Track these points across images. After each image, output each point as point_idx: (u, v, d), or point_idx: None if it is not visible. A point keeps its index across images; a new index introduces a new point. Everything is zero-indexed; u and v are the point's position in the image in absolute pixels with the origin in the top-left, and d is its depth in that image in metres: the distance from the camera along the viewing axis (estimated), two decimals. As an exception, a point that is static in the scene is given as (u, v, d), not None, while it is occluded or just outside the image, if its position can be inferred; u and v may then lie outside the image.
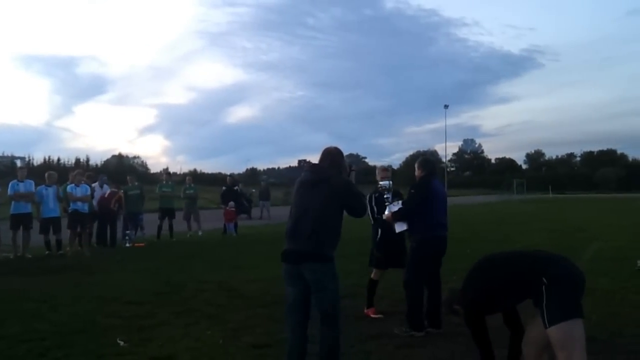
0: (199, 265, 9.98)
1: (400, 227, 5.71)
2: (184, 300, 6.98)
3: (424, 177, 5.72)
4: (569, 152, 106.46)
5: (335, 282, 3.95)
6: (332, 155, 4.23)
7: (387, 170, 6.54)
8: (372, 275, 6.42)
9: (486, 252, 4.22)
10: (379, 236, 6.26)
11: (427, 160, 6.09)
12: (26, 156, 49.63)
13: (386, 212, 5.82)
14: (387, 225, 5.91)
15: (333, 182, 4.03)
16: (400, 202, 5.76)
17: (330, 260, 3.95)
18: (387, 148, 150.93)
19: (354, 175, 4.42)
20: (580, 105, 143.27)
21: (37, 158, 57.79)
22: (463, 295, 3.64)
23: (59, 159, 58.13)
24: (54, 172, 12.73)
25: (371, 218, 6.30)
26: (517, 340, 3.61)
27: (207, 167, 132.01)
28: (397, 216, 5.65)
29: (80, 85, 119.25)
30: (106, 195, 13.48)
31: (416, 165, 5.88)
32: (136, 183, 15.23)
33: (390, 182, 6.02)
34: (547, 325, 3.12)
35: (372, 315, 6.18)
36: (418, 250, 5.53)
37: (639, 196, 36.12)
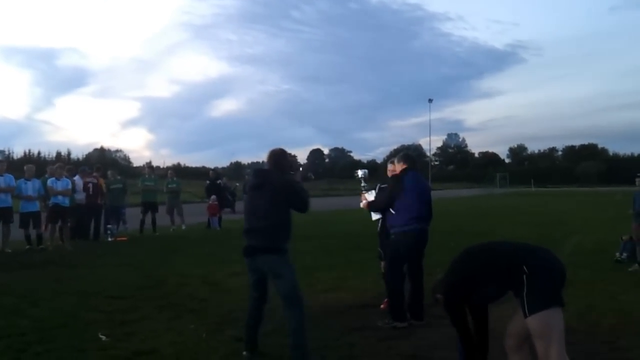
0: (182, 260, 9.93)
1: (375, 216, 6.18)
2: (166, 294, 6.95)
3: (401, 171, 5.78)
4: (551, 146, 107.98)
5: (289, 269, 4.46)
6: (275, 156, 4.67)
7: (394, 164, 6.42)
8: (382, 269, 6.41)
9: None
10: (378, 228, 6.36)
11: (407, 155, 6.09)
12: (6, 150, 48.88)
13: (362, 201, 6.09)
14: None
15: (275, 183, 4.50)
16: (373, 191, 6.06)
17: (282, 251, 4.46)
18: (372, 142, 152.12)
19: (303, 172, 4.87)
20: (563, 100, 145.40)
21: (17, 152, 57.02)
22: (443, 283, 3.67)
23: (39, 153, 57.40)
24: (32, 165, 12.54)
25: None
26: (482, 341, 3.66)
27: (191, 160, 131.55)
28: (371, 206, 6.00)
29: (61, 78, 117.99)
30: (90, 192, 13.31)
31: (396, 160, 5.94)
32: (118, 177, 15.12)
33: (366, 171, 6.26)
34: (527, 314, 3.15)
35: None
36: (395, 242, 5.62)
37: (618, 190, 36.64)
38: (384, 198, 5.77)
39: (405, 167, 5.77)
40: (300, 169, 4.90)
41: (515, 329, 3.40)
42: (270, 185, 4.47)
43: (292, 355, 4.34)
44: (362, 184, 6.15)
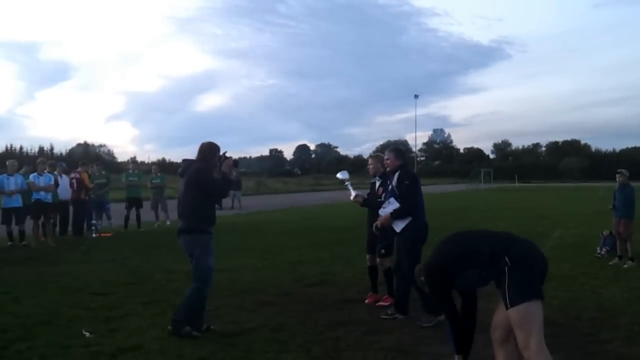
0: (166, 255, 9.87)
1: (401, 225, 5.57)
2: (151, 290, 6.92)
3: (405, 167, 5.76)
4: (535, 142, 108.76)
5: (202, 250, 4.98)
6: (201, 148, 5.18)
7: (373, 157, 6.49)
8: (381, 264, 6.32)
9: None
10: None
11: (400, 149, 6.07)
12: (-14, 145, 48.18)
13: (382, 215, 5.65)
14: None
15: (190, 171, 5.09)
16: (393, 199, 5.58)
17: (197, 233, 5.01)
18: (358, 137, 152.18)
19: (230, 163, 5.18)
20: (547, 96, 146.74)
21: (-1, 146, 56.16)
22: (426, 266, 3.71)
23: (21, 147, 56.54)
24: (15, 160, 12.38)
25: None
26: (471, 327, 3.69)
27: (176, 156, 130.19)
28: (399, 214, 5.51)
29: (44, 71, 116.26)
30: (75, 187, 13.20)
31: (389, 155, 5.80)
32: (103, 172, 15.00)
33: (345, 172, 6.45)
34: (508, 306, 3.20)
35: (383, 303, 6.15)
36: (413, 239, 5.53)
37: (601, 185, 37.13)
38: (413, 199, 5.57)
39: (404, 163, 5.76)
40: (226, 161, 5.20)
41: (501, 321, 3.44)
42: (188, 174, 5.09)
43: (172, 320, 4.98)
44: (346, 184, 6.31)
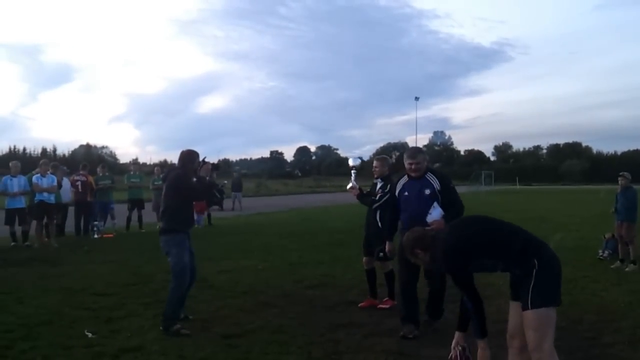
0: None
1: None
2: (153, 291, 6.93)
3: (435, 170, 5.60)
4: (536, 144, 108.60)
5: (177, 248, 5.30)
6: (181, 156, 5.57)
7: (379, 160, 6.32)
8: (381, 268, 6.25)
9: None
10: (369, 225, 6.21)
11: (422, 150, 5.83)
12: (-10, 145, 48.32)
13: (435, 219, 5.17)
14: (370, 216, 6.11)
15: (170, 177, 5.54)
16: (436, 204, 5.25)
17: (173, 233, 5.33)
18: (358, 139, 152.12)
19: (208, 168, 5.53)
20: (548, 98, 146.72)
21: (2, 147, 56.32)
22: (449, 247, 3.46)
23: (24, 149, 56.65)
24: (18, 161, 12.41)
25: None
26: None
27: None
28: (453, 218, 5.02)
29: (46, 73, 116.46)
30: (80, 189, 13.31)
31: (421, 158, 5.39)
32: (107, 173, 15.07)
33: (358, 159, 6.60)
34: (529, 307, 3.21)
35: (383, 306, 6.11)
36: None
37: (602, 188, 37.11)
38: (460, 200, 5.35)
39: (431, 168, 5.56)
40: (204, 166, 5.53)
41: (518, 328, 3.39)
42: (167, 180, 5.55)
43: (162, 320, 5.20)
44: (352, 172, 6.37)
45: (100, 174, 14.59)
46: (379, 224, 5.97)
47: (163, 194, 5.52)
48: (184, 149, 5.63)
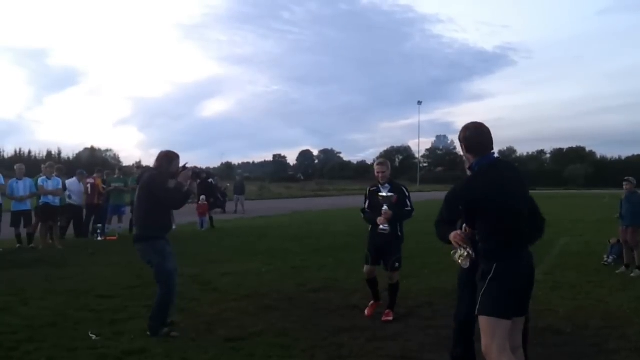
0: (172, 259, 9.92)
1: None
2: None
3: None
4: (540, 149, 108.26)
5: (158, 256, 5.04)
6: (158, 157, 5.22)
7: (383, 164, 5.97)
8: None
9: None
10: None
11: None
12: (-4, 148, 48.61)
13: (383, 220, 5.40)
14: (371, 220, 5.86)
15: (143, 179, 5.21)
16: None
17: (151, 240, 5.05)
18: (361, 143, 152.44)
19: (187, 175, 5.18)
20: (551, 103, 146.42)
21: (8, 150, 56.55)
22: (455, 192, 3.52)
23: (30, 152, 56.83)
24: (23, 164, 12.47)
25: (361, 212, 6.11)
26: None
27: (182, 161, 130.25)
28: None
29: (52, 77, 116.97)
30: (89, 192, 13.48)
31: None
32: (122, 176, 15.27)
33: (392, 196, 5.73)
34: (477, 312, 3.23)
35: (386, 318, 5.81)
36: None
37: (606, 193, 36.98)
38: None
39: None
40: (183, 172, 5.20)
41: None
42: (140, 182, 5.24)
43: (149, 324, 5.07)
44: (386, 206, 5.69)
45: (115, 176, 14.85)
46: (399, 232, 5.79)
47: (137, 197, 5.21)
48: (163, 150, 5.30)
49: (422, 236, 10.24)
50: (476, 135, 3.37)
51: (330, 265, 9.34)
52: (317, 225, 17.52)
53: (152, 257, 5.08)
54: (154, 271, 5.13)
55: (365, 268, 6.03)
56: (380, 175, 5.86)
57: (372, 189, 5.99)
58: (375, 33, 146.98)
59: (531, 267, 3.31)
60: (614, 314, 6.08)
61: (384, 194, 5.64)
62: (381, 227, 5.69)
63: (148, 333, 5.02)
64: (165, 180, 5.08)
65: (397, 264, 5.79)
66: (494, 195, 3.22)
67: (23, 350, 4.60)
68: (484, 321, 3.19)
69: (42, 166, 12.71)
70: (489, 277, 3.19)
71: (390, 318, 5.78)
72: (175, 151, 5.30)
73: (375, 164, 6.10)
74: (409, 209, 5.87)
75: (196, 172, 5.44)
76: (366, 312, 6.00)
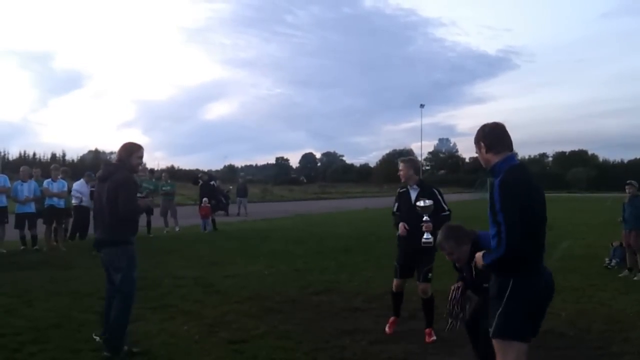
0: (175, 261, 9.95)
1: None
2: (160, 295, 6.97)
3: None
4: (542, 152, 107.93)
5: (129, 263, 4.65)
6: (119, 151, 4.82)
7: (404, 162, 5.56)
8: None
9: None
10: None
11: None
12: (1, 150, 48.73)
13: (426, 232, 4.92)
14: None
15: (114, 177, 4.64)
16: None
17: (123, 244, 4.65)
18: (364, 146, 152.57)
19: (145, 203, 5.06)
20: (554, 106, 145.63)
21: (13, 153, 56.73)
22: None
23: (34, 154, 57.03)
24: (28, 167, 12.51)
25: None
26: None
27: (185, 163, 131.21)
28: None
29: (57, 80, 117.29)
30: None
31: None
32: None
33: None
34: (491, 333, 3.07)
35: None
36: None
37: (608, 196, 36.91)
38: None
39: None
40: (143, 200, 5.09)
41: None
42: (111, 180, 4.65)
43: (106, 339, 4.60)
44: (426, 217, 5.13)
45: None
46: (431, 238, 5.09)
47: (106, 198, 4.62)
48: (129, 142, 4.87)
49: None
50: (497, 131, 3.20)
51: (332, 267, 9.35)
52: (320, 227, 17.51)
53: (120, 264, 4.63)
54: (117, 279, 4.64)
55: (395, 282, 5.53)
56: (400, 174, 5.51)
57: (401, 191, 5.62)
58: (378, 36, 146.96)
59: (550, 284, 3.13)
60: (617, 317, 6.08)
61: (422, 204, 5.11)
62: (424, 238, 5.12)
63: (106, 353, 4.52)
64: (136, 189, 4.86)
65: (429, 274, 5.27)
66: (529, 201, 3.04)
67: (27, 351, 4.63)
68: (501, 345, 3.00)
69: (50, 169, 12.72)
70: (506, 295, 2.96)
71: (434, 338, 5.18)
72: (139, 143, 4.91)
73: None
74: (447, 212, 5.33)
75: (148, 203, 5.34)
76: (387, 329, 5.48)
